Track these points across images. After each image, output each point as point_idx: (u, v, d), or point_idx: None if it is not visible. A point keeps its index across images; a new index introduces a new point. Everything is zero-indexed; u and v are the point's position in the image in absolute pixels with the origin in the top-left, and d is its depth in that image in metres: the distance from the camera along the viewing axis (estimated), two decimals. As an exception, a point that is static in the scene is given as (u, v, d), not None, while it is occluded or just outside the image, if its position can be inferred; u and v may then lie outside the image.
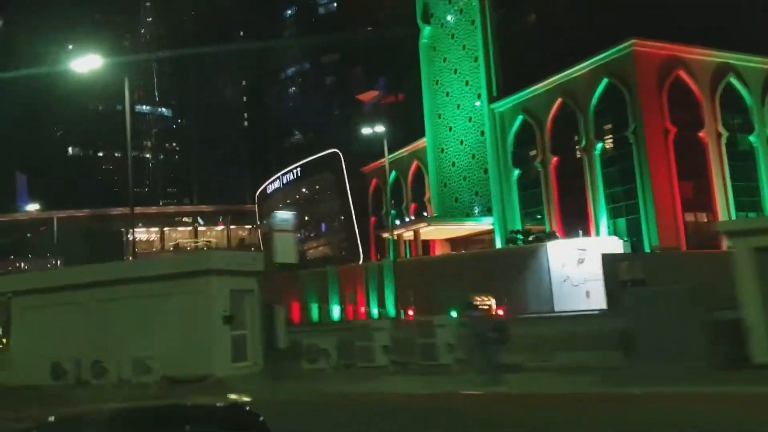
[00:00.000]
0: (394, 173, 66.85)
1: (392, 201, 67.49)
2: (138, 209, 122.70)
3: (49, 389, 19.54)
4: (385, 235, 57.16)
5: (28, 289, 23.94)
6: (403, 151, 65.21)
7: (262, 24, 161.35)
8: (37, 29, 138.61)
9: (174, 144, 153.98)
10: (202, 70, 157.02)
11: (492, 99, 52.87)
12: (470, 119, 55.92)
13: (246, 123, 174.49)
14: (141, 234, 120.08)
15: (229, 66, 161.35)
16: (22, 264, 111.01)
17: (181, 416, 3.88)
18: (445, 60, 58.85)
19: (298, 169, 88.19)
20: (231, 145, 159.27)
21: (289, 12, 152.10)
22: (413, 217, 58.96)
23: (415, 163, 63.74)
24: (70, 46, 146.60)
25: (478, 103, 54.31)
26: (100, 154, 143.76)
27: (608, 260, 32.74)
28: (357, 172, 76.76)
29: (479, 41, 53.91)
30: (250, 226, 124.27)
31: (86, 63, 28.32)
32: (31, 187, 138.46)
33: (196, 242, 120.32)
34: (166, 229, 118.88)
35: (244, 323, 21.00)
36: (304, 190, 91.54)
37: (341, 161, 78.46)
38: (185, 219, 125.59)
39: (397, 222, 57.97)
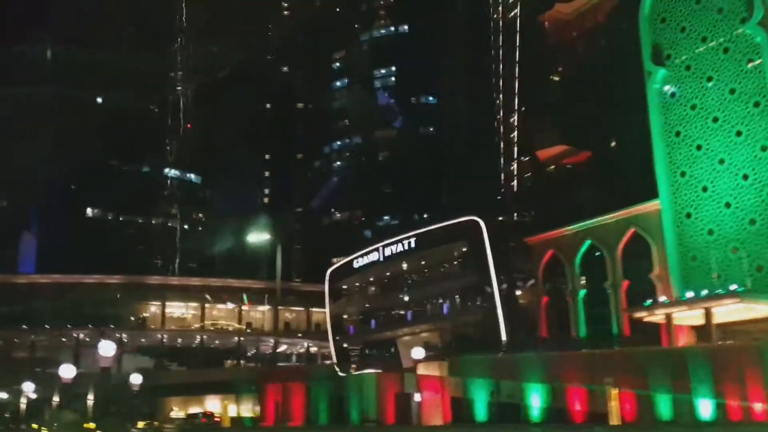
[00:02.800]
0: (588, 243, 55.58)
1: (581, 276, 56.01)
2: (176, 280, 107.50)
3: None
4: (643, 315, 44.89)
5: None
6: (608, 218, 53.96)
7: (307, 96, 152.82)
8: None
9: (200, 214, 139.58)
10: (235, 139, 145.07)
11: (794, 150, 42.63)
12: (745, 177, 45.33)
13: (267, 199, 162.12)
14: (177, 309, 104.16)
15: (264, 137, 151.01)
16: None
17: None
18: (694, 107, 48.84)
19: (411, 240, 75.59)
20: (255, 218, 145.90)
21: (339, 83, 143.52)
22: (664, 298, 46.47)
23: (630, 231, 52.28)
24: (99, 99, 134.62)
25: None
26: (121, 218, 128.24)
27: None
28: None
29: (769, 83, 44.22)
30: (301, 308, 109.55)
31: None
32: (41, 249, 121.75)
33: (240, 326, 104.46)
34: (206, 305, 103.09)
35: None
36: (406, 265, 78.76)
37: (482, 231, 66.36)
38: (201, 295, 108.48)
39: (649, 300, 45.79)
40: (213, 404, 55.10)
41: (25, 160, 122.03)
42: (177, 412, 55.81)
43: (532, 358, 41.31)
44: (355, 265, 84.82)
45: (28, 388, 55.56)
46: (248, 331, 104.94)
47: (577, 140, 58.93)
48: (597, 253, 55.15)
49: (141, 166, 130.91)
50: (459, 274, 71.18)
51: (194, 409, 54.58)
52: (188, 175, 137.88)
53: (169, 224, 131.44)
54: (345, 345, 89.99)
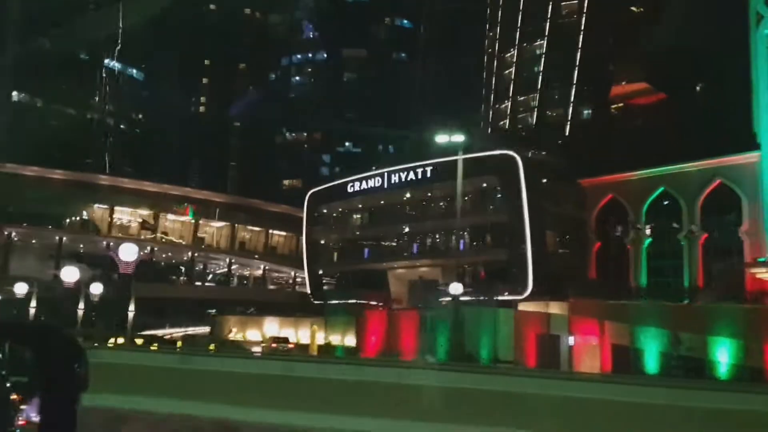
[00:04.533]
0: (660, 190, 52.51)
1: (646, 224, 53.08)
2: (127, 182, 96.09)
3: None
4: (759, 271, 42.20)
5: None
6: (690, 166, 50.84)
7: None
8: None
9: (140, 115, 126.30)
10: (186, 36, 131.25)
11: None
12: None
13: (202, 108, 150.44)
14: (125, 215, 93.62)
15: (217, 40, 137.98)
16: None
17: None
18: (812, 57, 46.03)
19: (428, 168, 69.86)
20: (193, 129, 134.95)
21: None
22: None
23: (716, 183, 49.49)
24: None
25: None
26: (53, 107, 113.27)
27: None
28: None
29: None
30: (260, 229, 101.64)
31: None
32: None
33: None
34: (160, 215, 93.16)
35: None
36: (409, 194, 73.47)
37: (518, 167, 62.05)
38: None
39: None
40: (271, 327, 47.88)
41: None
42: (236, 334, 48.10)
43: (723, 309, 37.68)
44: (349, 189, 78.12)
45: (21, 289, 46.11)
46: (203, 246, 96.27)
47: (655, 80, 54.99)
48: (665, 202, 52.28)
49: (79, 51, 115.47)
50: (482, 211, 66.58)
51: (253, 333, 46.97)
52: (130, 69, 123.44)
53: (108, 121, 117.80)
54: (320, 272, 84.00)
